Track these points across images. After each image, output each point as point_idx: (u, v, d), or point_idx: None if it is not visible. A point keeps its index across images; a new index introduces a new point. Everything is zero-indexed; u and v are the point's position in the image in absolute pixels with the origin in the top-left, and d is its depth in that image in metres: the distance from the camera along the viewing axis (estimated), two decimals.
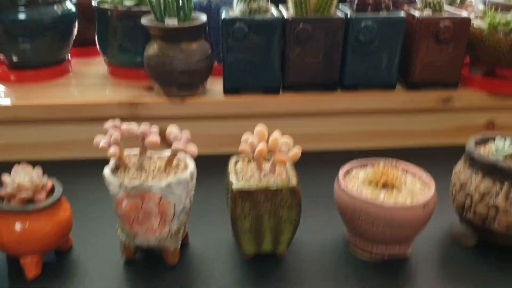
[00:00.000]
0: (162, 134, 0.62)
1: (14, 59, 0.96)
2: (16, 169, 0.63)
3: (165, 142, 0.64)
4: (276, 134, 0.62)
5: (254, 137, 0.62)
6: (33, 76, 0.99)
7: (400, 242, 0.66)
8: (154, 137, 0.59)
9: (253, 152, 0.61)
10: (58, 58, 1.01)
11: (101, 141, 0.59)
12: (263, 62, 0.92)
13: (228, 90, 0.93)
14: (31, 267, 0.62)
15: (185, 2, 0.86)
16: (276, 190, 0.62)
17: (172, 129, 0.61)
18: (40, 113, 0.90)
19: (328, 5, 0.91)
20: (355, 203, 0.64)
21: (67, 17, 0.97)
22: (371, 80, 0.96)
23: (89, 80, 1.03)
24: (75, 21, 0.99)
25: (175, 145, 0.59)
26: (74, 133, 0.93)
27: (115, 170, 0.62)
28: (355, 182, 0.69)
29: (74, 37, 1.01)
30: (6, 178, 0.62)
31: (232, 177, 0.64)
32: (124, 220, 0.61)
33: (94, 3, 0.98)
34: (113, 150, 0.58)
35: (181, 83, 0.89)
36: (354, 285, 0.64)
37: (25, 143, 0.93)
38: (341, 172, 0.70)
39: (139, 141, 0.62)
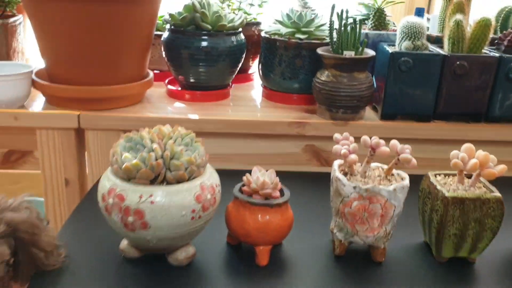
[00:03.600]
0: None
1: (191, 80, 1.10)
2: (255, 169, 0.75)
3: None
4: (484, 152, 0.72)
5: (464, 153, 0.72)
6: (202, 97, 1.12)
7: None
8: (385, 148, 0.70)
9: (465, 165, 0.72)
10: (225, 82, 1.14)
11: (341, 149, 0.70)
12: (420, 92, 1.03)
13: (386, 115, 1.05)
14: (264, 255, 0.72)
15: (358, 38, 0.99)
16: (485, 199, 0.71)
17: (396, 142, 0.72)
18: (221, 127, 1.03)
19: (480, 45, 1.03)
20: None
21: (240, 47, 1.10)
22: None
23: (249, 102, 1.16)
24: (245, 51, 1.13)
25: (404, 155, 0.69)
26: (247, 147, 1.06)
27: (344, 175, 0.73)
28: None
29: (241, 64, 1.15)
30: (249, 177, 0.73)
31: (441, 188, 0.74)
32: (349, 218, 0.71)
33: (263, 34, 1.12)
34: (353, 157, 0.69)
35: (348, 106, 1.00)
36: None
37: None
38: None
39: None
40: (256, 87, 1.30)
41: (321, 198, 0.88)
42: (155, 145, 0.67)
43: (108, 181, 0.67)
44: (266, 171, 0.76)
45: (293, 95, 1.13)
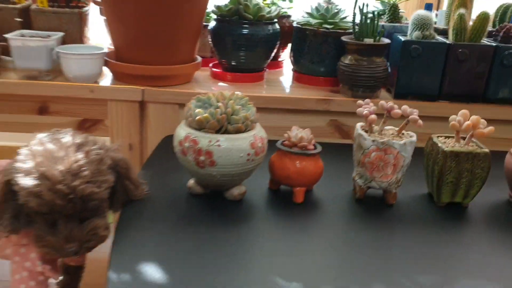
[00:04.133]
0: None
1: (233, 63, 1.30)
2: (293, 128, 0.94)
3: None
4: (476, 116, 0.91)
5: (460, 117, 0.91)
6: (241, 78, 1.32)
7: None
8: (397, 110, 0.89)
9: (460, 126, 0.90)
10: (261, 66, 1.34)
11: (364, 111, 0.89)
12: (427, 75, 1.21)
13: (398, 95, 1.24)
14: (300, 195, 0.92)
15: (376, 28, 1.19)
16: (476, 153, 0.90)
17: (406, 106, 0.90)
18: (258, 103, 1.21)
19: (479, 35, 1.21)
20: None
21: (275, 35, 1.30)
22: (508, 96, 1.25)
23: (281, 84, 1.36)
24: (279, 38, 1.33)
25: (413, 116, 0.88)
26: (280, 120, 1.24)
27: (364, 131, 0.92)
28: None
29: (275, 51, 1.34)
30: (290, 133, 0.93)
31: (441, 145, 0.92)
32: (368, 167, 0.90)
33: (295, 24, 1.31)
34: (373, 116, 0.88)
35: (367, 86, 1.19)
36: None
37: None
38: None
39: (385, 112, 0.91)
40: (285, 73, 1.49)
41: (343, 161, 1.07)
42: (220, 104, 0.86)
43: (184, 131, 0.87)
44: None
45: (320, 78, 1.32)
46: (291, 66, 1.39)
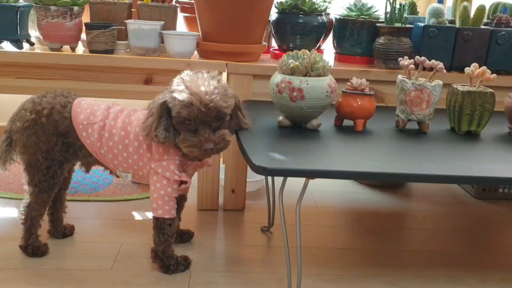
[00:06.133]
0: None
1: (291, 46, 1.65)
2: (353, 77, 1.28)
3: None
4: (484, 67, 1.25)
5: (473, 67, 1.26)
6: None
7: None
8: (428, 62, 1.23)
9: (473, 73, 1.25)
10: (312, 49, 1.69)
11: (405, 62, 1.24)
12: (442, 51, 1.57)
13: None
14: (360, 124, 1.25)
15: (402, 15, 1.55)
16: (485, 92, 1.24)
17: (434, 60, 1.25)
18: None
19: (479, 21, 1.58)
20: None
21: (324, 24, 1.65)
22: (504, 67, 1.60)
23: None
24: (326, 27, 1.68)
25: (440, 66, 1.22)
26: None
27: (405, 78, 1.26)
28: None
29: (322, 37, 1.69)
30: (352, 80, 1.27)
31: (460, 88, 1.26)
32: (409, 103, 1.24)
33: (337, 17, 1.67)
34: (411, 66, 1.22)
35: (397, 59, 1.54)
36: None
37: None
38: (511, 94, 1.32)
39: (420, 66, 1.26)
40: (326, 58, 1.83)
41: (382, 115, 1.41)
42: (305, 56, 1.20)
43: (280, 76, 1.20)
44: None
45: (357, 57, 1.67)
46: (333, 50, 1.75)
